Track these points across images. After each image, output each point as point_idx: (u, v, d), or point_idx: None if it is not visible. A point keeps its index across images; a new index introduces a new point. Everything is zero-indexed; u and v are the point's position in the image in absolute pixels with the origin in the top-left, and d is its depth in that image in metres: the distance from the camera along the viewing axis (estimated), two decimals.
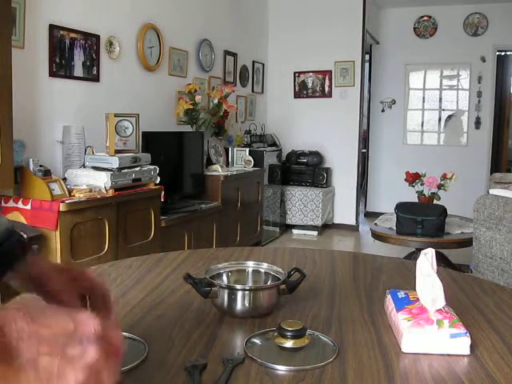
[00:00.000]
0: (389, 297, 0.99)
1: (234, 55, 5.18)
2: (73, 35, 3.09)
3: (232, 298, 0.96)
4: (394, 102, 6.69)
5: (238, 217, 4.38)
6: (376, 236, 3.63)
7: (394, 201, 3.71)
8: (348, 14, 5.66)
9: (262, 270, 1.09)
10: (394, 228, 3.55)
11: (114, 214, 2.78)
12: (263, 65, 5.94)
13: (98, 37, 3.28)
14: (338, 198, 5.92)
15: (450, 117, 6.55)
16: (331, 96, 5.88)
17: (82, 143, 3.09)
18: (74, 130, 3.04)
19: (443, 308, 0.87)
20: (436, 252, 0.93)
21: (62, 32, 3.00)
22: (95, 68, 3.28)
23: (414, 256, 3.62)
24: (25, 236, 0.85)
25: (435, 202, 3.78)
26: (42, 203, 2.49)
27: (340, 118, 5.80)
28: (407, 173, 3.92)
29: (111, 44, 3.42)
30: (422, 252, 0.91)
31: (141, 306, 1.03)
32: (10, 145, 2.40)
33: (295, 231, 5.65)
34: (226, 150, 4.82)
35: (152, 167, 3.12)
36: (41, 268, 0.77)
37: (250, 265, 1.10)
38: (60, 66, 3.01)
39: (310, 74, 5.94)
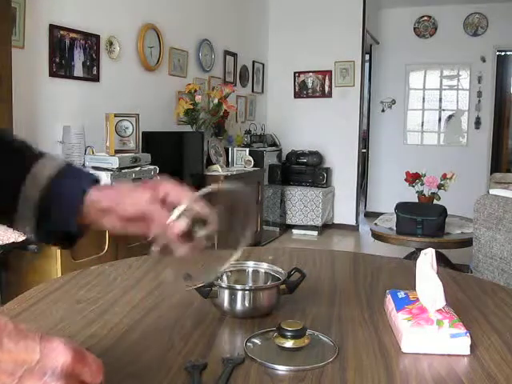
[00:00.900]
0: (389, 297, 0.99)
1: (234, 55, 5.18)
2: (73, 35, 3.09)
3: (232, 298, 0.96)
4: (393, 102, 6.69)
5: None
6: (376, 236, 3.63)
7: (394, 201, 3.71)
8: (348, 14, 5.66)
9: (262, 270, 1.09)
10: (394, 228, 3.55)
11: None
12: (263, 65, 5.94)
13: (98, 37, 3.28)
14: (337, 198, 5.92)
15: (450, 117, 6.55)
16: (331, 96, 5.88)
17: (82, 143, 3.08)
18: (73, 130, 3.04)
19: (443, 308, 0.87)
20: (436, 252, 0.93)
21: (61, 32, 3.00)
22: (95, 68, 3.28)
23: (414, 256, 3.62)
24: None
25: (435, 202, 3.78)
26: None
27: (340, 118, 5.80)
28: (407, 173, 3.92)
29: (111, 44, 3.42)
30: (422, 252, 0.91)
31: (141, 306, 1.03)
32: None
33: (295, 231, 5.65)
34: (226, 150, 4.82)
35: (152, 167, 3.12)
36: (111, 197, 0.68)
37: (250, 265, 1.10)
38: (60, 66, 3.01)
39: (310, 74, 5.94)
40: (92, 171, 2.94)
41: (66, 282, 1.19)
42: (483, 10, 6.20)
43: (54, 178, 0.66)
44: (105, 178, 2.79)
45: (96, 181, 0.70)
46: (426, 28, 6.47)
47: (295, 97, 6.06)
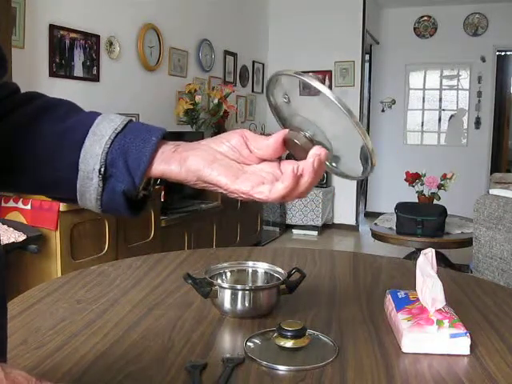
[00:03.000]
0: (389, 297, 0.99)
1: (234, 55, 5.18)
2: (73, 35, 3.09)
3: (232, 297, 0.96)
4: (393, 102, 6.69)
5: (238, 217, 4.38)
6: (376, 236, 3.63)
7: (394, 201, 3.71)
8: (348, 14, 5.66)
9: (262, 270, 1.09)
10: (394, 228, 3.54)
11: None
12: (263, 65, 5.94)
13: (98, 37, 3.28)
14: (337, 197, 5.92)
15: (451, 117, 6.54)
16: None
17: None
18: None
19: (443, 308, 0.87)
20: (436, 252, 0.93)
21: (61, 32, 3.00)
22: (95, 68, 3.28)
23: (414, 256, 3.62)
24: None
25: (435, 202, 3.78)
26: (42, 203, 2.49)
27: None
28: (407, 173, 3.92)
29: (111, 44, 3.42)
30: (422, 252, 0.91)
31: (141, 306, 1.03)
32: None
33: (295, 231, 5.65)
34: None
35: None
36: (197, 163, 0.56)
37: (250, 265, 1.10)
38: (60, 66, 3.01)
39: (310, 74, 5.94)
40: None
41: (66, 282, 1.19)
42: (483, 10, 6.20)
43: (120, 134, 0.58)
44: None
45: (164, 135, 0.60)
46: (425, 28, 6.47)
47: None
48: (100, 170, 0.57)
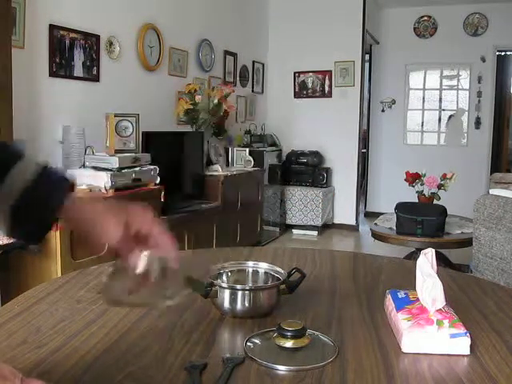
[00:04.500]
0: (389, 297, 0.99)
1: (234, 55, 5.18)
2: (73, 35, 3.09)
3: (232, 298, 0.96)
4: (393, 102, 6.69)
5: (238, 217, 4.38)
6: (376, 236, 3.63)
7: (394, 201, 3.71)
8: (348, 14, 5.66)
9: (262, 270, 1.09)
10: (394, 228, 3.54)
11: None
12: (263, 65, 5.94)
13: (98, 37, 3.28)
14: (337, 197, 5.92)
15: (450, 117, 6.54)
16: (331, 96, 5.88)
17: (81, 143, 3.08)
18: (74, 130, 3.04)
19: (443, 308, 0.87)
20: (436, 252, 0.93)
21: (61, 32, 3.00)
22: (95, 68, 3.28)
23: (414, 256, 3.62)
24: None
25: (435, 202, 3.78)
26: None
27: (340, 118, 5.80)
28: (407, 173, 3.91)
29: (111, 44, 3.42)
30: (422, 252, 0.91)
31: None
32: None
33: (295, 231, 5.65)
34: (226, 150, 4.82)
35: (152, 167, 3.12)
36: (88, 214, 0.73)
37: (250, 265, 1.10)
38: (60, 66, 3.01)
39: (310, 74, 5.94)
40: (92, 171, 2.92)
41: (66, 281, 1.19)
42: (483, 10, 6.20)
43: (30, 186, 0.70)
44: (105, 177, 2.78)
45: (71, 185, 0.75)
46: (425, 28, 6.47)
47: (295, 97, 6.05)
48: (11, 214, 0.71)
